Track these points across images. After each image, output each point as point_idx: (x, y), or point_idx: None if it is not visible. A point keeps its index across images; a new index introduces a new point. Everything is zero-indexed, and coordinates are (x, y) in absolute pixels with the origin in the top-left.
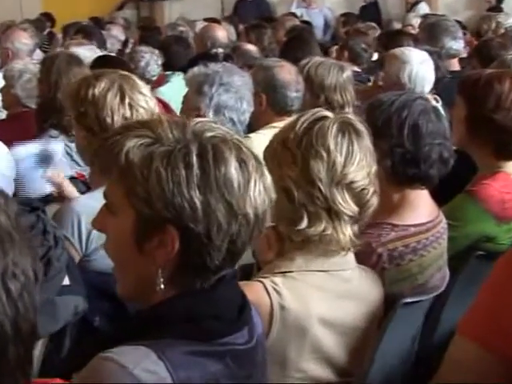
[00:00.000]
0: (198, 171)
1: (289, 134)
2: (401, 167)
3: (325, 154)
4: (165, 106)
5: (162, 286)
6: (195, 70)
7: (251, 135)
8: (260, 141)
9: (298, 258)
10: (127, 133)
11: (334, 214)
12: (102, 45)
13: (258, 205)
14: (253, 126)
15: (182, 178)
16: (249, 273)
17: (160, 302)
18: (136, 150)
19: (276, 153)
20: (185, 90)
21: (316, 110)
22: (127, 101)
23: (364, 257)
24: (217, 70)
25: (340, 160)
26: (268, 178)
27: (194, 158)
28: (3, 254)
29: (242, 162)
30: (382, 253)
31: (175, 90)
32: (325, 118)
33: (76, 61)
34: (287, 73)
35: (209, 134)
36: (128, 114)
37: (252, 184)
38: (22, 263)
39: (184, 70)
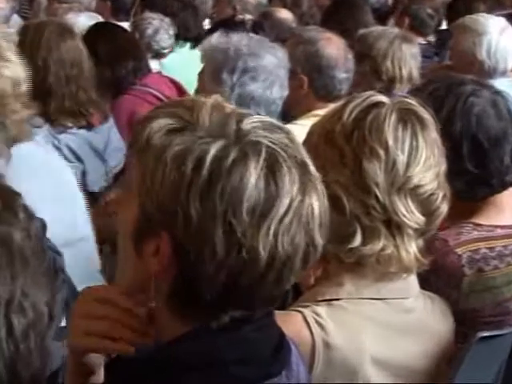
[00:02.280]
0: (207, 176)
1: (334, 125)
2: (469, 189)
3: (382, 152)
4: (176, 86)
5: (153, 304)
6: (213, 40)
7: (288, 127)
8: (299, 134)
9: (348, 283)
10: (166, 109)
11: (394, 227)
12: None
13: (281, 242)
14: (288, 114)
15: (184, 179)
16: (284, 299)
17: (172, 340)
18: (159, 133)
19: (318, 149)
20: (193, 64)
21: (368, 93)
22: None
23: (439, 258)
24: (240, 46)
25: (402, 159)
26: (321, 204)
27: (209, 159)
28: (11, 279)
29: (270, 180)
30: (462, 254)
31: (179, 63)
32: (380, 104)
33: (69, 32)
34: (335, 48)
35: (260, 139)
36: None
37: (282, 209)
38: (33, 295)
39: (196, 40)
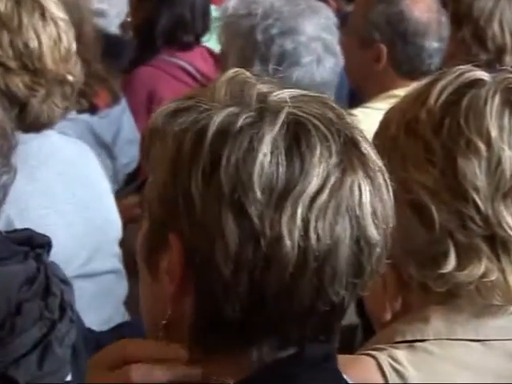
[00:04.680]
0: (208, 147)
1: (418, 111)
2: None
3: (483, 147)
4: (216, 59)
5: (161, 333)
6: (230, 8)
7: (356, 112)
8: (373, 121)
9: (437, 319)
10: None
11: (499, 244)
12: None
13: (313, 230)
14: (357, 95)
15: (183, 158)
16: (351, 339)
17: None
18: (161, 115)
19: (396, 143)
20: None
21: (462, 68)
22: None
23: None
24: (268, 20)
25: (509, 155)
26: (377, 192)
27: (212, 128)
28: None
29: (297, 145)
30: None
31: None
32: (479, 82)
33: None
34: (424, 8)
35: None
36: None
37: (312, 186)
38: None
39: None
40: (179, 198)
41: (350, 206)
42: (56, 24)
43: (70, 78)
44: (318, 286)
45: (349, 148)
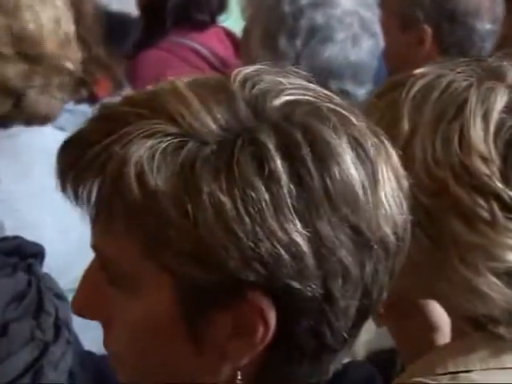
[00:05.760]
0: (291, 184)
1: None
2: None
3: None
4: (235, 42)
5: None
6: None
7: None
8: None
9: (483, 346)
10: (125, 127)
11: None
12: None
13: (395, 215)
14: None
15: (264, 204)
16: (385, 366)
17: None
18: (157, 164)
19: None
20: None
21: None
22: None
23: None
24: None
25: None
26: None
27: (277, 160)
28: None
29: (358, 148)
30: None
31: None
32: None
33: None
34: None
35: (283, 101)
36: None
37: (382, 181)
38: None
39: None
40: (279, 250)
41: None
42: (54, 4)
43: (69, 65)
44: (393, 271)
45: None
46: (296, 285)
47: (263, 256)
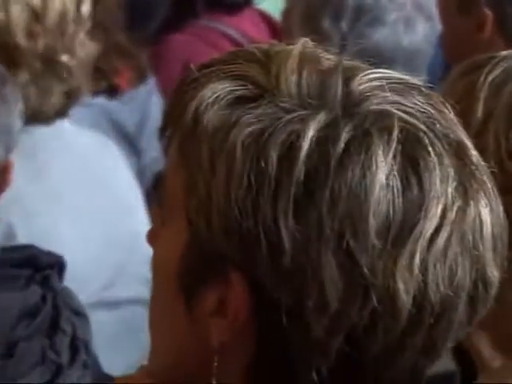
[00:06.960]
0: (304, 174)
1: None
2: None
3: None
4: (270, 24)
5: None
6: None
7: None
8: None
9: None
10: (223, 66)
11: None
12: None
13: (433, 280)
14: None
15: (266, 182)
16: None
17: None
18: (216, 107)
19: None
20: None
21: None
22: None
23: None
24: None
25: None
26: (494, 214)
27: (306, 146)
28: None
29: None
30: None
31: None
32: None
33: None
34: None
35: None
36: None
37: (431, 224)
38: None
39: None
40: (260, 235)
41: (471, 243)
42: None
43: (63, 57)
44: (428, 346)
45: (461, 161)
46: (268, 283)
47: (243, 230)
